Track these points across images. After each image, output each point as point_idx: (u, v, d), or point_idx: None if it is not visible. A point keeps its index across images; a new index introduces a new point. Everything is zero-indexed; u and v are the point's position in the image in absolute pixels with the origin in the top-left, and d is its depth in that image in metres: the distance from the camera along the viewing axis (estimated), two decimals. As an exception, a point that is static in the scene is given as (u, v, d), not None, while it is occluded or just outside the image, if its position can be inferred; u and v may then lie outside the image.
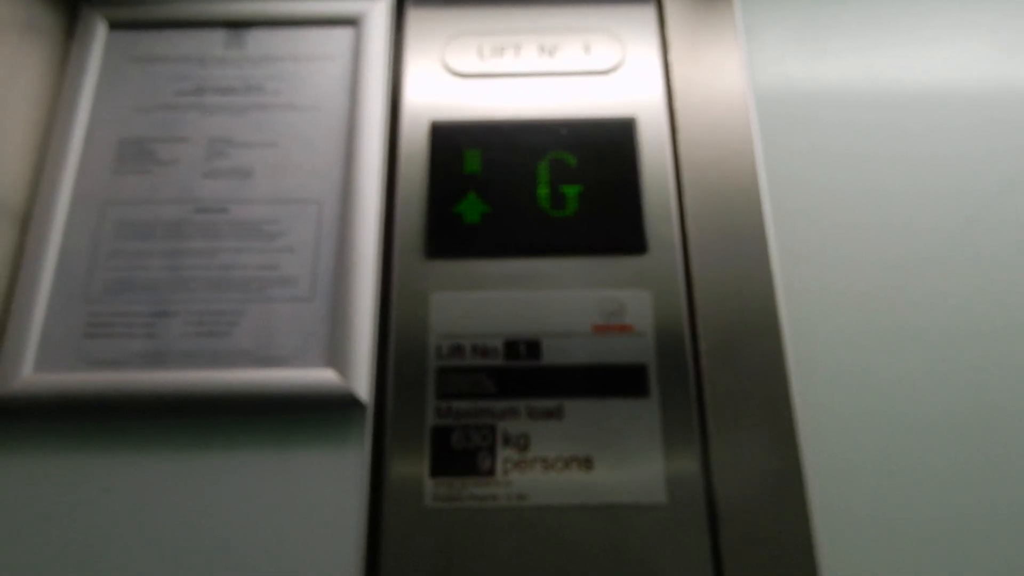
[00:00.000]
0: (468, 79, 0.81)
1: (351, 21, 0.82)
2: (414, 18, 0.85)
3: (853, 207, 0.77)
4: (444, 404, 0.68)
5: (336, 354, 0.69)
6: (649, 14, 0.85)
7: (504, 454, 0.67)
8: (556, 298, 0.72)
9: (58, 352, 0.70)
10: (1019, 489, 0.67)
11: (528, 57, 0.82)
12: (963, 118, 0.81)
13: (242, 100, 0.79)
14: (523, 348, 0.70)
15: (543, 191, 0.75)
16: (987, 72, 0.84)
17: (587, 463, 0.66)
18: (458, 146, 0.77)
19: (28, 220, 0.74)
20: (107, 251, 0.73)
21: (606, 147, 0.77)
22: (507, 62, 0.82)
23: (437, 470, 0.66)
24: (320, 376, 0.69)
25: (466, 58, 0.82)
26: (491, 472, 0.66)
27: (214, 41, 0.82)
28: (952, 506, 0.67)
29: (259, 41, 0.82)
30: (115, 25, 0.82)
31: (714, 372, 0.69)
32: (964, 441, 0.69)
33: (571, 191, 0.75)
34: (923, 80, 0.83)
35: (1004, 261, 0.75)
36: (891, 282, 0.74)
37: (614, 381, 0.69)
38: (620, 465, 0.66)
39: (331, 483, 0.66)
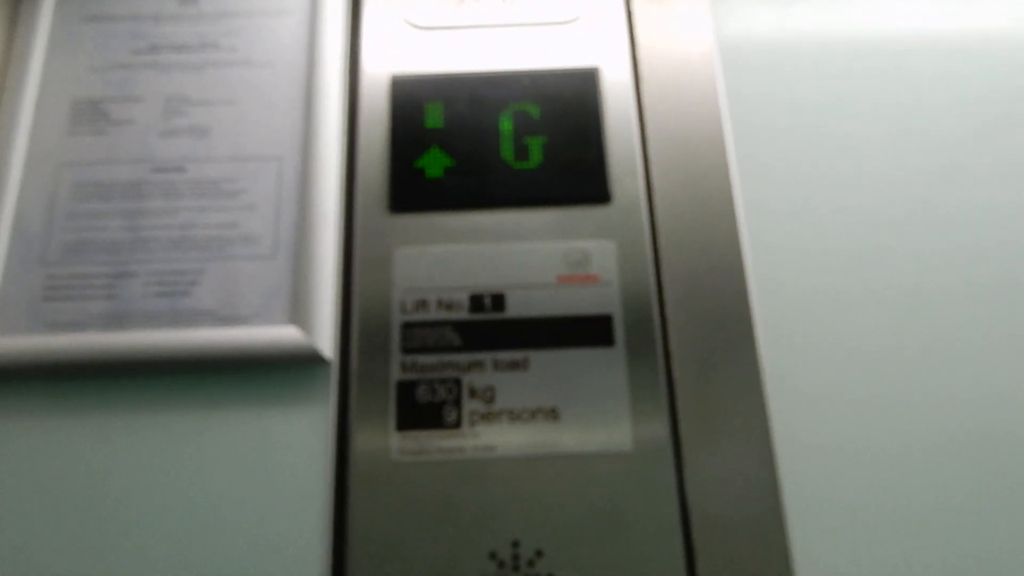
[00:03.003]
0: (428, 31, 0.80)
1: (307, -26, 0.81)
2: (372, -29, 0.83)
3: (819, 157, 0.77)
4: (409, 358, 0.68)
5: (299, 311, 0.69)
6: (611, -37, 0.84)
7: (470, 407, 0.66)
8: (520, 250, 0.71)
9: (16, 315, 0.69)
10: (1001, 469, 0.67)
11: (489, 8, 0.81)
12: (930, 65, 0.81)
13: (198, 57, 0.78)
14: (488, 301, 0.69)
15: (506, 143, 0.74)
16: (955, 18, 0.83)
17: (553, 414, 0.66)
18: (419, 100, 0.76)
19: (-18, 183, 0.73)
20: (64, 213, 0.72)
21: (569, 98, 0.76)
22: (468, 14, 0.80)
23: (403, 424, 0.66)
24: (283, 333, 0.68)
25: (426, 10, 0.81)
26: (458, 425, 0.66)
27: (167, -2, 0.81)
28: (913, 430, 0.68)
29: (213, -3, 0.80)
30: (65, -17, 0.81)
31: (680, 320, 0.69)
32: (934, 375, 0.70)
33: (534, 142, 0.74)
34: (889, 28, 0.82)
35: (976, 210, 0.75)
36: (859, 230, 0.74)
37: (580, 331, 0.68)
38: (586, 415, 0.66)
39: (297, 440, 0.66)
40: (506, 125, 0.75)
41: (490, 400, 0.67)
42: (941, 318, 0.71)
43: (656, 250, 0.72)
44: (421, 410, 0.66)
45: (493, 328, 0.69)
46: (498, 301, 0.69)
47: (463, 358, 0.68)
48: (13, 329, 0.68)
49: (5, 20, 0.79)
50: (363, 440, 0.66)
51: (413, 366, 0.68)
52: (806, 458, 0.66)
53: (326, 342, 0.68)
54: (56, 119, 0.75)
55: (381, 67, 0.78)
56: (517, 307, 0.69)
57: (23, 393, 0.68)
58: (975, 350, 0.71)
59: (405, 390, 0.67)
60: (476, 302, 0.69)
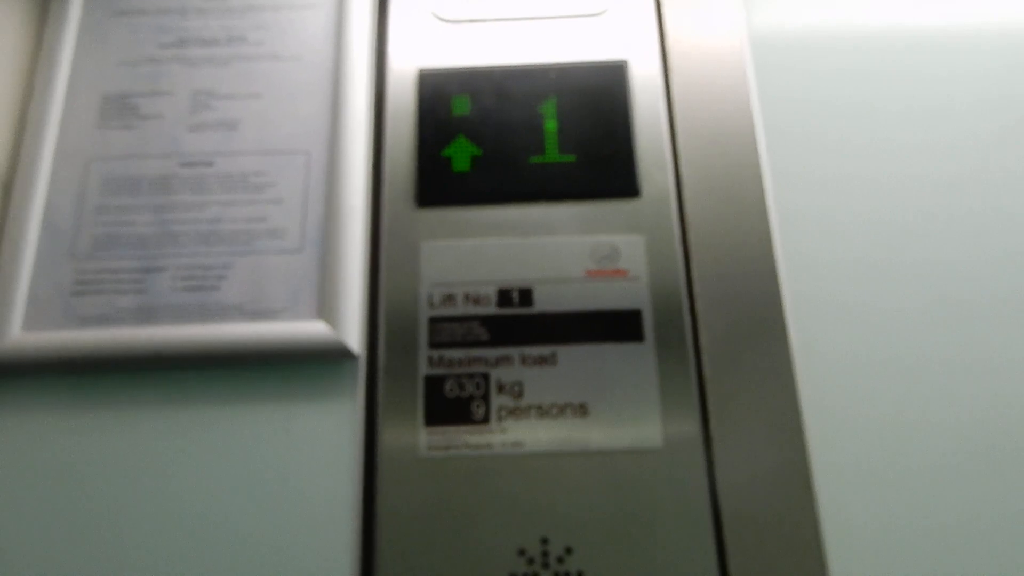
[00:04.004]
0: (455, 24, 0.79)
1: (334, -32, 0.81)
2: (399, -37, 0.83)
3: (850, 150, 0.76)
4: (436, 353, 0.68)
5: (327, 306, 0.68)
6: (640, -46, 0.83)
7: (498, 402, 0.66)
8: (548, 244, 0.70)
9: (46, 310, 0.69)
10: None
11: (516, 0, 0.80)
12: (967, 60, 0.79)
13: (225, 51, 0.78)
14: (516, 295, 0.69)
15: (534, 137, 0.74)
16: (993, 12, 0.81)
17: (582, 409, 0.66)
18: (447, 93, 0.76)
19: (12, 178, 0.73)
20: (93, 207, 0.72)
21: (597, 91, 0.75)
22: (495, 6, 0.80)
23: (431, 419, 0.66)
24: (311, 328, 0.68)
25: (453, 3, 0.80)
26: (485, 420, 0.66)
27: (195, -8, 0.81)
28: (953, 446, 0.66)
29: (240, -10, 0.81)
30: (94, -22, 0.81)
31: (709, 315, 0.68)
32: (969, 385, 0.68)
33: (562, 136, 0.74)
34: (926, 22, 0.81)
35: (1012, 211, 0.74)
36: (889, 226, 0.73)
37: (608, 326, 0.68)
38: (615, 411, 0.66)
39: (324, 435, 0.66)
40: (534, 118, 0.74)
41: (518, 395, 0.66)
42: (979, 315, 0.70)
43: (686, 244, 0.71)
44: (449, 405, 0.66)
45: (521, 323, 0.68)
46: (526, 295, 0.69)
47: (491, 353, 0.67)
48: (43, 324, 0.69)
49: (35, 15, 0.79)
50: (391, 435, 0.65)
51: (441, 361, 0.67)
52: (839, 454, 0.65)
53: (354, 337, 0.68)
54: (85, 114, 0.76)
55: (408, 61, 0.78)
56: (545, 301, 0.69)
57: (52, 387, 0.68)
58: (1008, 352, 0.69)
59: (433, 385, 0.67)
60: (504, 296, 0.69)
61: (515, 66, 0.77)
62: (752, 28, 0.80)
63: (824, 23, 0.81)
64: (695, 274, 0.70)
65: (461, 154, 0.73)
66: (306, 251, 0.70)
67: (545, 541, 0.62)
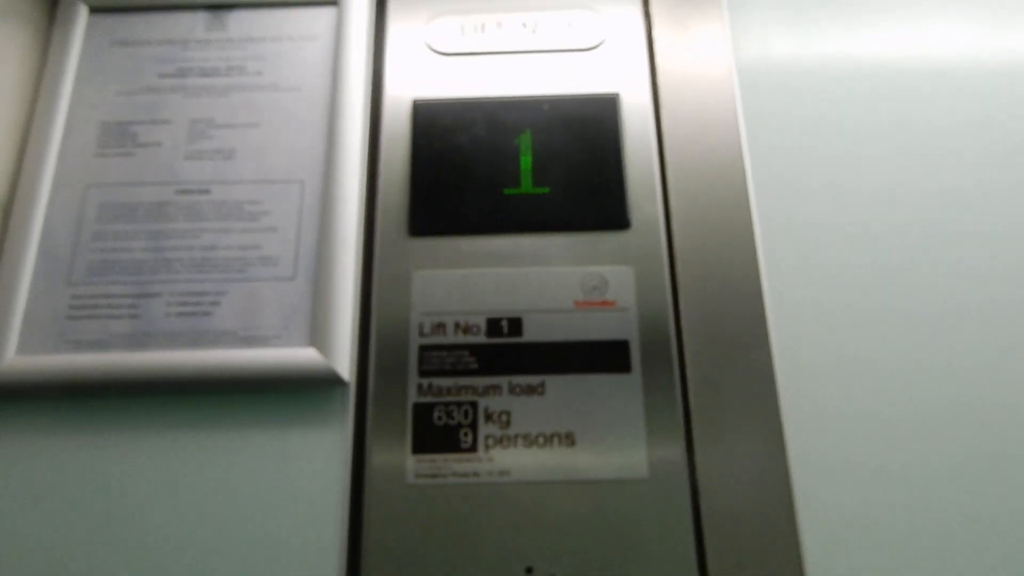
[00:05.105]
0: (450, 57, 0.81)
1: (332, 1, 0.82)
2: (396, -3, 0.84)
3: (838, 181, 0.77)
4: (426, 381, 0.68)
5: (318, 333, 0.69)
6: (633, -10, 0.84)
7: (486, 431, 0.67)
8: (538, 274, 0.71)
9: (41, 334, 0.70)
10: (1010, 483, 0.67)
11: (510, 35, 0.82)
12: (952, 93, 0.81)
13: (224, 81, 0.79)
14: (505, 325, 0.70)
15: (526, 168, 0.75)
16: (977, 45, 0.83)
17: (569, 439, 0.66)
18: (440, 124, 0.77)
19: (11, 203, 0.74)
20: (90, 233, 0.74)
21: (589, 123, 0.77)
22: (489, 40, 0.81)
23: (419, 447, 0.66)
24: (302, 355, 0.68)
25: (448, 36, 0.82)
26: (473, 449, 0.66)
27: (195, 23, 0.82)
28: (929, 453, 0.67)
29: (240, 22, 0.82)
30: (96, 9, 0.82)
31: (697, 347, 0.69)
32: (950, 414, 0.69)
33: (554, 167, 0.75)
34: (912, 55, 0.82)
35: (993, 241, 0.75)
36: (878, 260, 0.74)
37: (596, 357, 0.68)
38: (602, 441, 0.66)
39: (313, 461, 0.66)
40: (526, 150, 0.75)
41: (506, 424, 0.67)
42: (960, 338, 0.71)
43: (674, 276, 0.72)
44: (437, 433, 0.67)
45: (510, 352, 0.69)
46: (515, 325, 0.70)
47: (480, 382, 0.68)
48: (38, 347, 0.69)
49: (37, 44, 0.81)
50: (379, 462, 0.66)
51: (430, 389, 0.68)
52: (824, 485, 0.65)
53: (344, 364, 0.68)
54: (84, 141, 0.77)
55: (403, 92, 0.79)
56: (534, 331, 0.69)
57: (46, 411, 0.69)
58: (990, 359, 0.70)
59: (421, 413, 0.67)
60: (493, 326, 0.70)
61: (509, 98, 0.78)
62: (739, 59, 0.81)
63: (810, 55, 0.82)
64: (683, 305, 0.71)
65: (454, 184, 0.74)
66: (299, 279, 0.71)
67: (530, 570, 0.62)
